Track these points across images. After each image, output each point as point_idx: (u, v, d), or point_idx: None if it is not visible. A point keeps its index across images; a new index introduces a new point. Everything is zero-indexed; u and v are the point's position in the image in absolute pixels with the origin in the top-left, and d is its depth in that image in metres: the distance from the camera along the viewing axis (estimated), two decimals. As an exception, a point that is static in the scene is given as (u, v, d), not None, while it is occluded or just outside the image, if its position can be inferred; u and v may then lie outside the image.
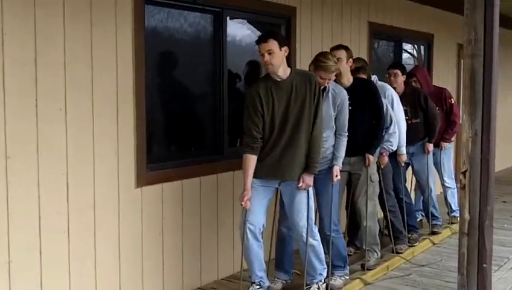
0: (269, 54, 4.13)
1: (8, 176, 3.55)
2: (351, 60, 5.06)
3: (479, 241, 4.40)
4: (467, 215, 4.41)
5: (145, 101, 4.37)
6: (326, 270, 4.62)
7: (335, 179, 4.62)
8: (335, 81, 4.81)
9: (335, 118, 4.67)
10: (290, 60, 5.00)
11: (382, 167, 5.48)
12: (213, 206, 5.00)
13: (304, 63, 5.95)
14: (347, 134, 4.69)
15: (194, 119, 5.18)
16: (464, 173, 4.40)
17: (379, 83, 5.72)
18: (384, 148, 5.47)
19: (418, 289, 4.96)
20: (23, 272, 3.69)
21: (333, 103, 4.65)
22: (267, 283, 4.59)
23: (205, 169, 4.93)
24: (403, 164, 5.99)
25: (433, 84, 7.19)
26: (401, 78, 6.21)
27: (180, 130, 5.03)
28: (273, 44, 4.13)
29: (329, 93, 4.66)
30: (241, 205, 4.29)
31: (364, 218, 5.25)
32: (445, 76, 9.06)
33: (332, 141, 4.68)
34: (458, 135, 7.00)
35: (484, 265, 4.42)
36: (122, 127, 4.22)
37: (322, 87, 4.52)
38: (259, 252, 4.45)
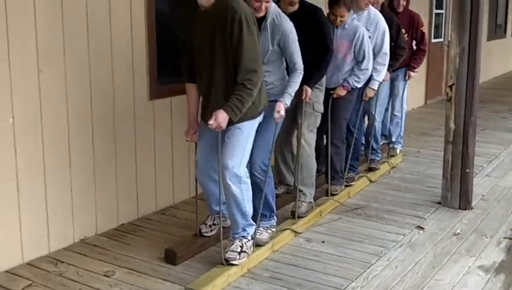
0: None
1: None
2: None
3: (463, 148, 4.88)
4: (452, 125, 4.86)
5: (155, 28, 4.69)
6: (253, 228, 3.93)
7: (276, 116, 3.90)
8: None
9: (281, 54, 4.08)
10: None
11: (334, 96, 4.93)
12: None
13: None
14: (302, 72, 4.08)
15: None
16: (450, 87, 4.83)
17: (372, 9, 5.35)
18: (348, 83, 4.95)
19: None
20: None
21: (271, 36, 4.00)
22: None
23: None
24: (367, 99, 5.41)
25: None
26: None
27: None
28: None
29: (268, 25, 3.99)
30: (187, 140, 3.97)
31: (300, 151, 4.62)
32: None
33: (275, 76, 4.10)
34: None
35: (467, 170, 4.93)
36: (136, 49, 4.53)
37: (259, 15, 3.90)
38: (214, 191, 3.94)
